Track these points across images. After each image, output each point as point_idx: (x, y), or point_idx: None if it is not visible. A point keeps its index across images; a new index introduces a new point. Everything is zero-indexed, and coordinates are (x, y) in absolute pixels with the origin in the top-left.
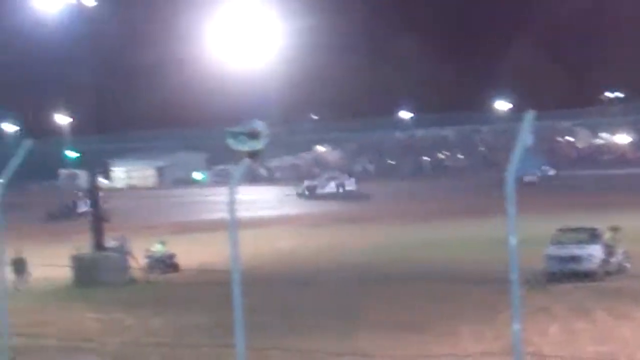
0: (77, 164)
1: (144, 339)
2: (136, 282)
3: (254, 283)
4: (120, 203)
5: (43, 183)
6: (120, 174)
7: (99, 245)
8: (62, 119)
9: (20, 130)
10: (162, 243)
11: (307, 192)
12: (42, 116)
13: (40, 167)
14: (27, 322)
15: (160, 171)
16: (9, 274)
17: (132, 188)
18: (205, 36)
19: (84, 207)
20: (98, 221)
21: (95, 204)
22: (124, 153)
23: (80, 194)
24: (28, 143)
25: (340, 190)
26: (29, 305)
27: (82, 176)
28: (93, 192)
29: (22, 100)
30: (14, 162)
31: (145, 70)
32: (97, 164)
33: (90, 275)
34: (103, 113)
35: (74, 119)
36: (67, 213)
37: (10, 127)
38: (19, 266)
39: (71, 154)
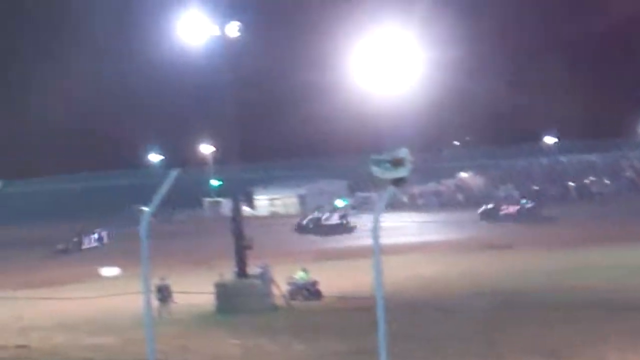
0: (221, 192)
1: None
2: (278, 309)
3: (396, 309)
4: (263, 231)
5: (188, 212)
6: (263, 202)
7: (242, 273)
8: (206, 149)
9: (165, 159)
10: (305, 270)
11: (311, 225)
12: (186, 146)
13: (186, 196)
14: (171, 348)
15: (302, 199)
16: (154, 300)
17: (274, 216)
18: (348, 64)
19: None
20: (241, 248)
21: (238, 231)
22: (267, 181)
23: None
24: (174, 172)
25: (344, 221)
26: (173, 332)
27: (226, 204)
28: (237, 220)
29: (167, 131)
30: (160, 191)
31: (287, 99)
32: (241, 192)
33: (233, 302)
34: (246, 142)
35: (217, 149)
36: None
37: (155, 157)
38: (164, 293)
39: (215, 182)
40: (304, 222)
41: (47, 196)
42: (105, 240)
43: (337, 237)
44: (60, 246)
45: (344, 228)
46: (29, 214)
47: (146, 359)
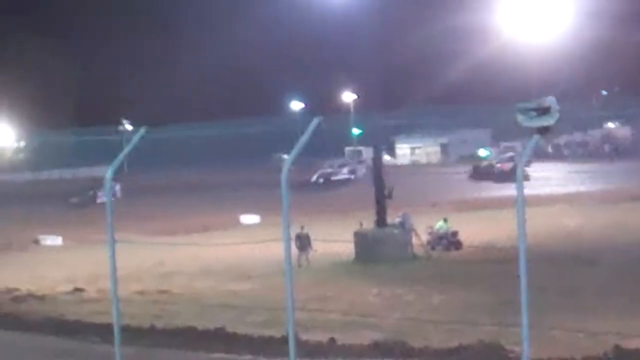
0: (362, 140)
1: (424, 315)
2: (418, 259)
3: (538, 261)
4: (403, 180)
5: (329, 160)
6: (405, 151)
7: (381, 221)
8: (347, 97)
9: (307, 107)
10: (445, 220)
11: (321, 180)
12: (328, 94)
13: (327, 144)
14: (310, 297)
15: (444, 148)
16: (293, 249)
17: (415, 165)
18: (495, 10)
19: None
20: (381, 197)
21: (379, 180)
22: (408, 130)
23: None
24: (316, 120)
25: (352, 176)
26: (312, 280)
27: (366, 153)
28: (377, 168)
29: (309, 79)
30: (302, 140)
31: (431, 47)
32: (382, 141)
33: (372, 250)
34: (388, 91)
35: (359, 97)
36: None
37: (297, 105)
38: (303, 242)
39: (356, 131)
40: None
41: (193, 143)
42: (119, 194)
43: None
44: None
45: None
46: (169, 161)
47: (285, 307)
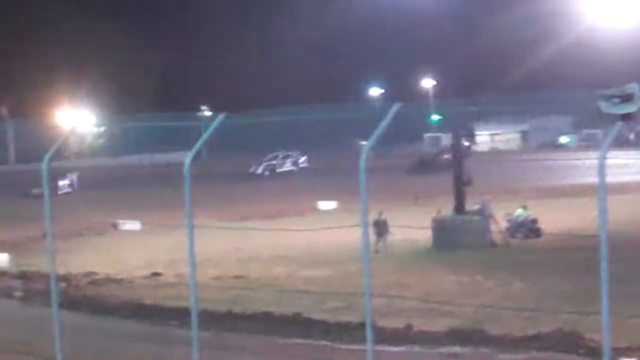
0: (441, 127)
1: (502, 302)
2: (496, 246)
3: (619, 250)
4: (483, 167)
5: (408, 147)
6: (484, 138)
7: (460, 208)
8: (427, 83)
9: (386, 93)
10: (524, 207)
11: (267, 172)
12: (407, 80)
13: (405, 130)
14: (387, 283)
15: (524, 135)
16: (371, 235)
17: (495, 152)
18: None
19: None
20: (460, 184)
21: (458, 167)
22: (488, 117)
23: None
24: (395, 106)
25: (294, 168)
26: (389, 267)
27: (446, 140)
28: (457, 155)
29: (388, 65)
30: (381, 125)
31: (513, 32)
32: (462, 127)
33: (450, 237)
34: (467, 77)
35: (438, 83)
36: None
37: (376, 91)
38: (380, 228)
39: (435, 117)
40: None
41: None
42: (76, 186)
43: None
44: None
45: None
46: (248, 147)
47: (362, 293)
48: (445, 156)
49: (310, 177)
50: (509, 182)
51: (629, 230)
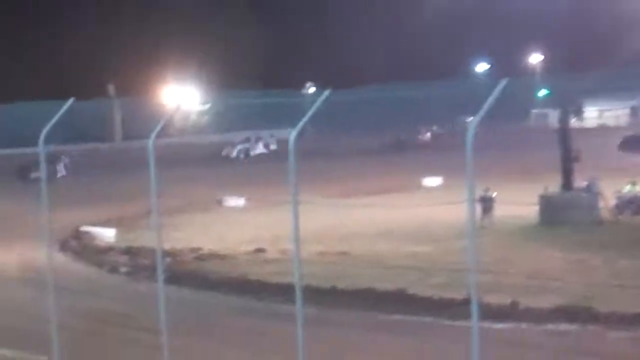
0: (548, 102)
1: (609, 280)
2: (604, 223)
3: None
4: (590, 143)
5: (515, 124)
6: (593, 114)
7: (567, 185)
8: (534, 58)
9: (492, 69)
10: (634, 184)
11: (242, 156)
12: (514, 55)
13: (512, 106)
14: (493, 260)
15: (634, 111)
16: (477, 211)
17: (603, 128)
18: None
19: None
20: (568, 161)
21: (566, 144)
22: (597, 92)
23: None
24: (502, 82)
25: (266, 151)
26: (494, 243)
27: (553, 116)
28: (564, 131)
29: (495, 40)
30: (488, 102)
31: (622, 5)
32: (569, 103)
33: (557, 214)
34: (576, 51)
35: (545, 57)
36: None
37: (482, 67)
38: (487, 204)
39: (542, 92)
40: None
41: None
42: (63, 172)
43: None
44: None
45: None
46: (354, 123)
47: (467, 269)
48: None
49: (416, 154)
50: (617, 158)
51: None
